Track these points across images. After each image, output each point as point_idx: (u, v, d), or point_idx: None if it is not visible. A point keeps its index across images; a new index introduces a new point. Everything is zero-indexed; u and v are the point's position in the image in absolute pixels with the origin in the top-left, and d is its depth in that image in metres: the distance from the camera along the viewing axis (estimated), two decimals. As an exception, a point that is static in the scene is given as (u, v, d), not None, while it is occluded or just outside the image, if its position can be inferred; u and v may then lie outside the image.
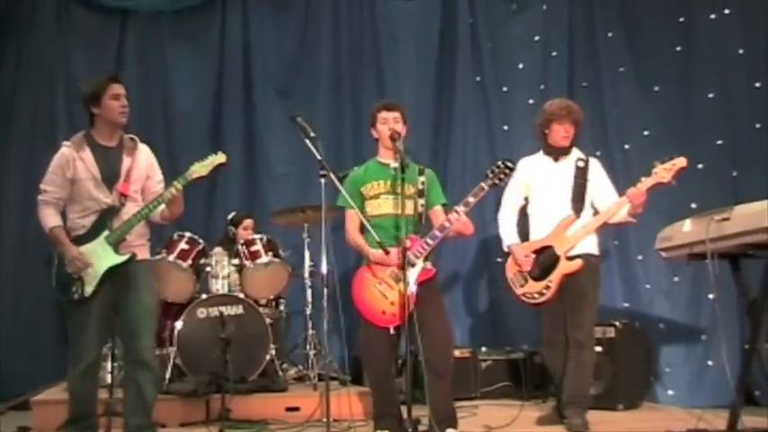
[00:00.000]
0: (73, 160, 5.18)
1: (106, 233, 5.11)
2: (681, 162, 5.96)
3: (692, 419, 5.81)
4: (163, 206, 5.29)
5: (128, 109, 5.24)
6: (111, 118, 5.20)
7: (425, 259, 5.55)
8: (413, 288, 5.44)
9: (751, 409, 6.35)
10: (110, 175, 5.20)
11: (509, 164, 5.52)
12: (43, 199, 5.23)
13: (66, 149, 5.23)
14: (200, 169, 5.23)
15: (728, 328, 6.78)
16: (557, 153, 6.37)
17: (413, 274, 5.46)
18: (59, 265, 5.17)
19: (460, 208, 5.50)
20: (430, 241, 5.51)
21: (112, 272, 5.12)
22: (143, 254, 5.35)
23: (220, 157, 5.31)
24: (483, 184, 5.50)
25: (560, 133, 6.31)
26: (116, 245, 5.12)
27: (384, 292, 5.58)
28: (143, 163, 5.34)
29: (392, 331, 5.56)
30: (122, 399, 5.33)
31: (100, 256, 5.11)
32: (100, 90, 5.17)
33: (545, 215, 6.30)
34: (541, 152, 6.48)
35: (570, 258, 6.13)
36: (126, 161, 5.25)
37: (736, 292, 5.75)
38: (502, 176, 5.50)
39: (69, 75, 8.79)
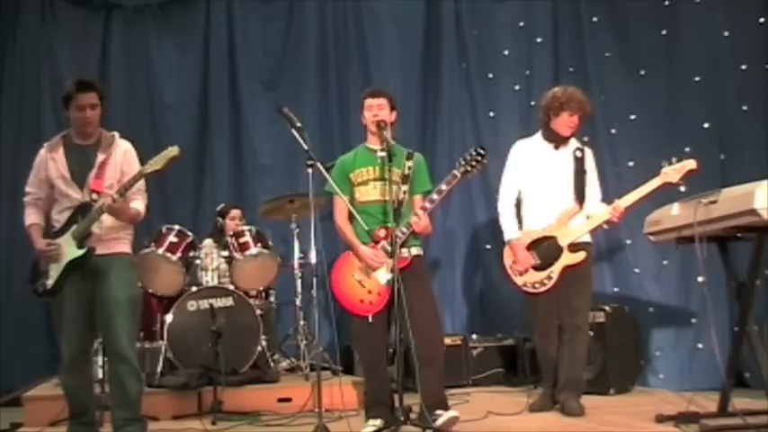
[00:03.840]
0: (46, 161, 5.24)
1: (73, 228, 5.12)
2: (690, 164, 5.95)
3: (682, 402, 5.84)
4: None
5: (93, 120, 5.20)
6: (75, 128, 5.25)
7: (402, 246, 5.55)
8: (387, 277, 5.49)
9: (741, 391, 6.39)
10: (81, 172, 5.20)
11: (481, 151, 5.54)
12: (25, 200, 5.36)
13: (42, 151, 5.32)
14: (154, 164, 5.16)
15: (718, 310, 6.81)
16: (558, 141, 6.32)
17: (388, 265, 5.50)
18: (35, 259, 5.26)
19: (434, 196, 5.56)
20: (404, 230, 5.53)
21: (80, 264, 5.12)
22: (118, 247, 5.30)
23: (173, 150, 5.22)
24: (456, 172, 5.54)
25: (567, 123, 6.23)
26: (80, 239, 5.10)
27: (361, 281, 5.62)
28: (118, 158, 5.29)
29: (370, 320, 5.58)
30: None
31: (64, 251, 5.12)
32: (67, 97, 5.17)
33: (542, 203, 6.27)
34: (540, 136, 6.41)
35: (573, 250, 6.14)
36: (99, 157, 5.23)
37: (725, 275, 5.78)
38: (474, 163, 5.52)
39: (55, 70, 8.77)
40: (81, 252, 5.09)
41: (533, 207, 6.35)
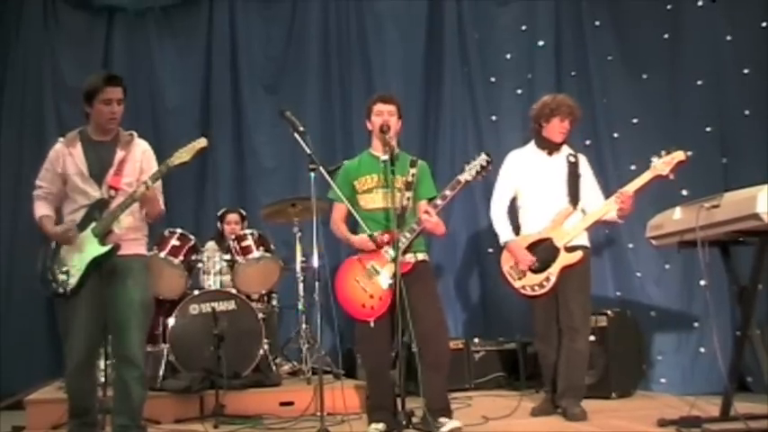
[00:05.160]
0: (63, 156, 5.18)
1: (93, 225, 5.09)
2: (679, 156, 5.98)
3: (684, 407, 5.83)
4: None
5: (118, 115, 5.17)
6: (99, 122, 5.19)
7: (406, 251, 5.55)
8: (389, 281, 5.50)
9: (743, 395, 6.39)
10: (99, 169, 5.16)
11: (486, 157, 5.56)
12: (36, 194, 5.26)
13: (58, 145, 5.25)
14: (182, 155, 5.15)
15: (720, 314, 6.81)
16: (551, 147, 6.36)
17: (391, 269, 5.49)
18: (45, 259, 5.15)
19: (438, 201, 5.57)
20: (408, 234, 5.54)
21: (98, 264, 5.07)
22: (136, 249, 5.27)
23: (201, 142, 5.23)
24: (460, 178, 5.56)
25: (558, 129, 6.29)
26: (102, 236, 5.05)
27: (363, 286, 5.61)
28: (138, 156, 5.28)
29: (372, 324, 5.58)
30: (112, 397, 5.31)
31: (85, 248, 5.06)
32: (93, 91, 5.12)
33: (539, 209, 6.29)
34: (533, 145, 6.46)
35: (569, 250, 6.15)
36: (119, 154, 5.21)
37: (727, 279, 5.78)
38: (479, 169, 5.52)
39: (57, 73, 8.80)
40: (106, 249, 5.05)
41: (531, 213, 6.38)
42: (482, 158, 5.56)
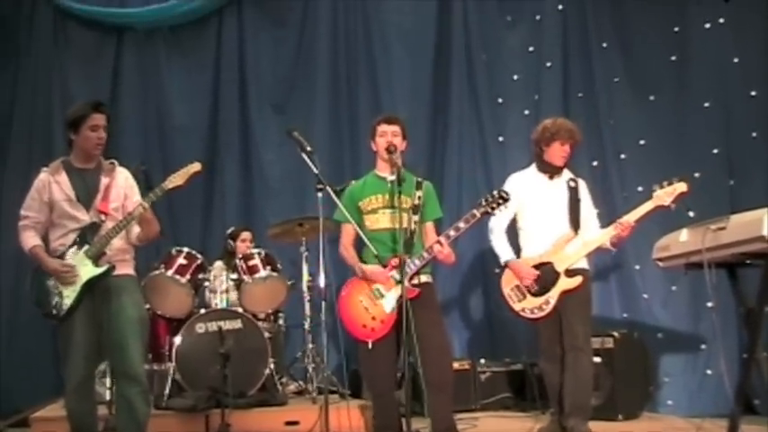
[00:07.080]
0: (49, 184, 5.26)
1: (86, 247, 5.14)
2: (681, 187, 6.02)
3: (691, 429, 5.84)
4: (138, 228, 5.31)
5: (104, 140, 5.27)
6: (86, 148, 5.27)
7: (412, 278, 5.54)
8: (393, 305, 5.52)
9: (750, 418, 6.37)
10: (86, 194, 5.25)
11: (504, 194, 5.57)
12: (23, 224, 5.33)
13: (43, 174, 5.34)
14: (176, 179, 5.22)
15: (727, 336, 6.79)
16: (552, 171, 6.38)
17: (395, 293, 5.50)
18: (38, 279, 5.21)
19: (451, 232, 5.55)
20: (417, 261, 5.54)
21: (92, 285, 5.13)
22: (126, 269, 5.35)
23: (195, 166, 5.30)
24: (475, 212, 5.55)
25: (559, 153, 6.31)
26: (95, 258, 5.13)
27: (367, 307, 5.61)
28: (121, 183, 5.37)
29: (370, 346, 5.57)
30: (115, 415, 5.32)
31: (79, 270, 5.13)
32: (80, 118, 5.21)
33: (539, 232, 6.31)
34: (534, 168, 6.48)
35: (570, 275, 6.15)
36: (104, 180, 5.30)
37: (734, 301, 5.76)
38: (495, 206, 5.54)
39: (66, 92, 8.84)
40: (102, 270, 5.13)
41: (531, 236, 6.39)
42: (501, 194, 5.56)
